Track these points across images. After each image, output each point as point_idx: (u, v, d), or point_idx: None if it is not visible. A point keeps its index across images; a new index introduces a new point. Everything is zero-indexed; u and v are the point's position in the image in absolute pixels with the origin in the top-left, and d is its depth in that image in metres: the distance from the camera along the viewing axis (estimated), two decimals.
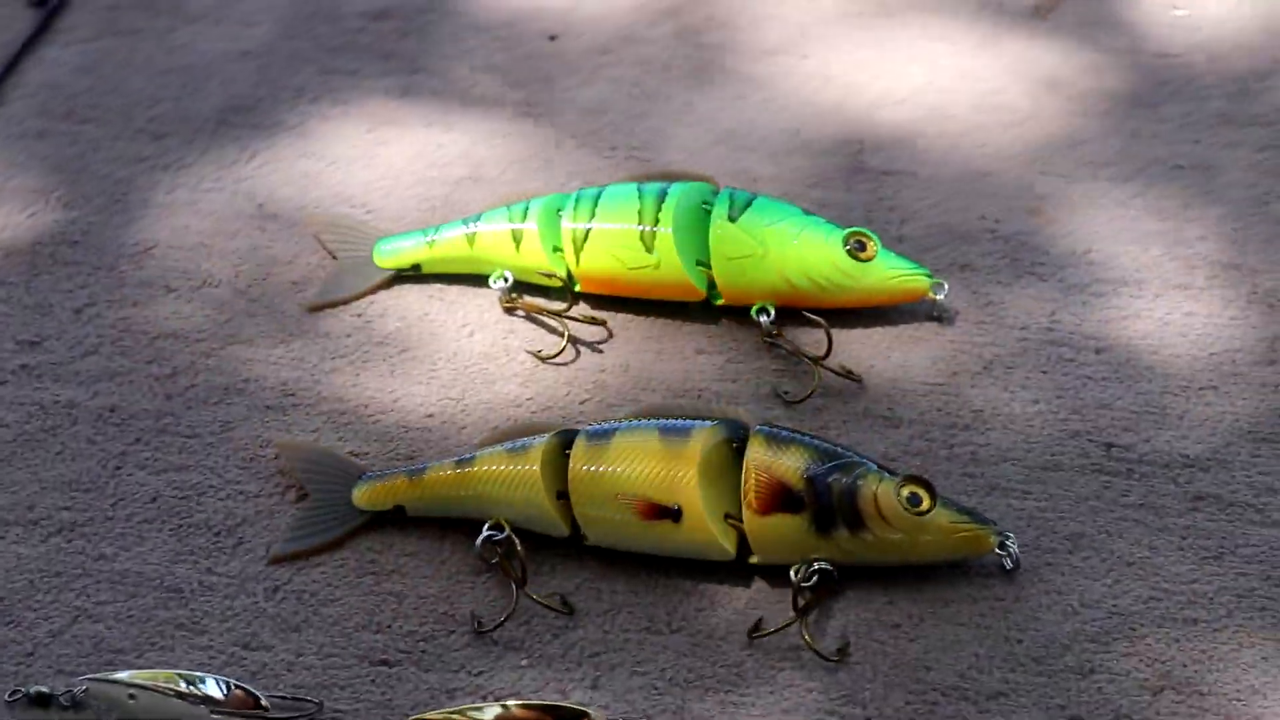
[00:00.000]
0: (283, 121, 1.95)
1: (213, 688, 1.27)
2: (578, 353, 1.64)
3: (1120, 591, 1.38)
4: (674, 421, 1.42)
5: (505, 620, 1.37)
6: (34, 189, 1.85)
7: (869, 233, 1.63)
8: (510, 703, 1.26)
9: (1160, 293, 1.68)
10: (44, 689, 1.32)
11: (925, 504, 1.36)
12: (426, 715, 1.27)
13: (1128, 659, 1.33)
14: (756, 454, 1.38)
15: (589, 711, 1.25)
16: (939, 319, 1.65)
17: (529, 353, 1.63)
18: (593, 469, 1.40)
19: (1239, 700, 1.30)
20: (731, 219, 1.64)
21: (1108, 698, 1.30)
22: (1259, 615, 1.37)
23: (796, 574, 1.37)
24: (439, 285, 1.72)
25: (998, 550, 1.39)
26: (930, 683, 1.32)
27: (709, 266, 1.64)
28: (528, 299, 1.68)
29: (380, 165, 1.88)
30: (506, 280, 1.68)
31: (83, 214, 1.82)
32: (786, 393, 1.58)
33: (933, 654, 1.34)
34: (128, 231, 1.79)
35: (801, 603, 1.35)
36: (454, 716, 1.26)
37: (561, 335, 1.64)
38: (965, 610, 1.37)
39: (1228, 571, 1.40)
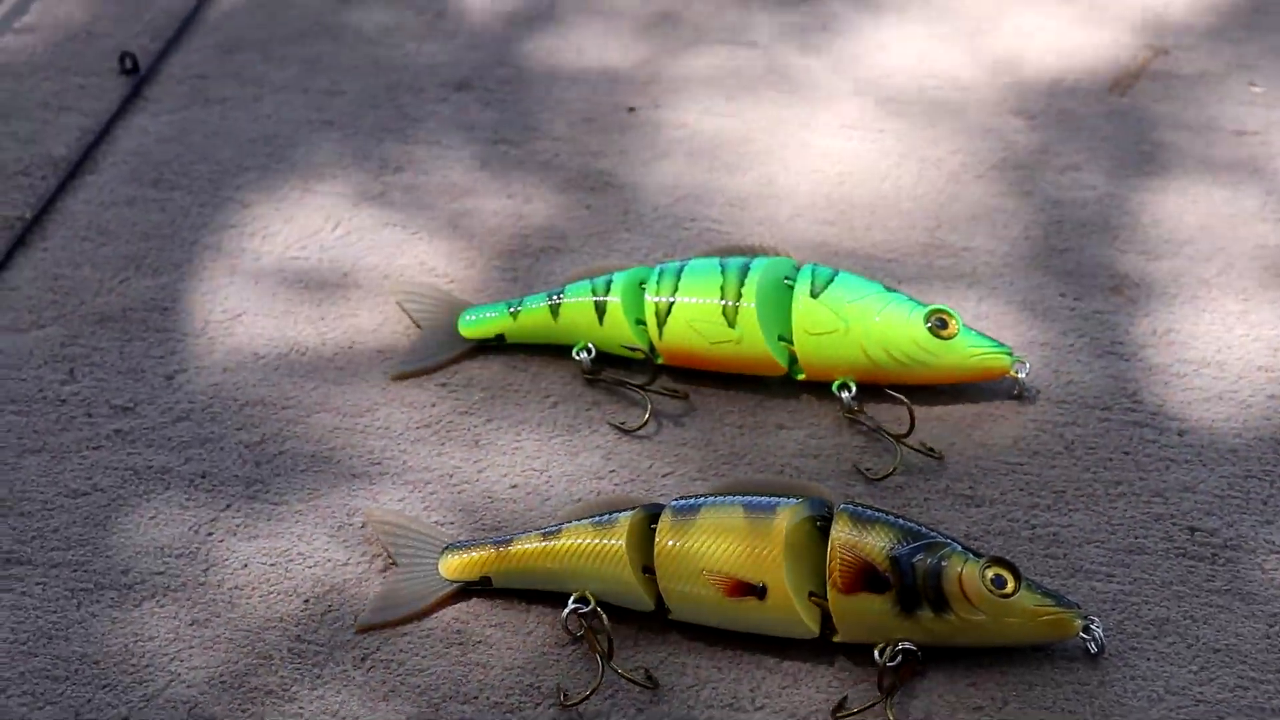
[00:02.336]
0: (367, 191, 1.98)
1: None
2: (659, 425, 1.66)
3: (1206, 679, 1.39)
4: (759, 498, 1.44)
5: (591, 694, 1.38)
6: (125, 255, 1.89)
7: (950, 310, 1.64)
8: None
9: (1243, 374, 1.68)
10: None
11: (1010, 586, 1.37)
12: None
13: None
14: (841, 533, 1.40)
15: None
16: (1020, 397, 1.67)
17: (612, 424, 1.66)
18: (678, 545, 1.41)
19: None
20: (814, 295, 1.66)
21: None
22: None
23: (881, 654, 1.38)
24: (522, 355, 1.74)
25: (1082, 634, 1.39)
26: None
27: (791, 342, 1.66)
28: (610, 371, 1.70)
29: (463, 235, 1.91)
30: (590, 352, 1.70)
31: (171, 280, 1.86)
32: (868, 470, 1.59)
33: None
34: (216, 298, 1.83)
35: (886, 683, 1.37)
36: None
37: (644, 408, 1.66)
38: (1049, 694, 1.38)
39: None
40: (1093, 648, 1.40)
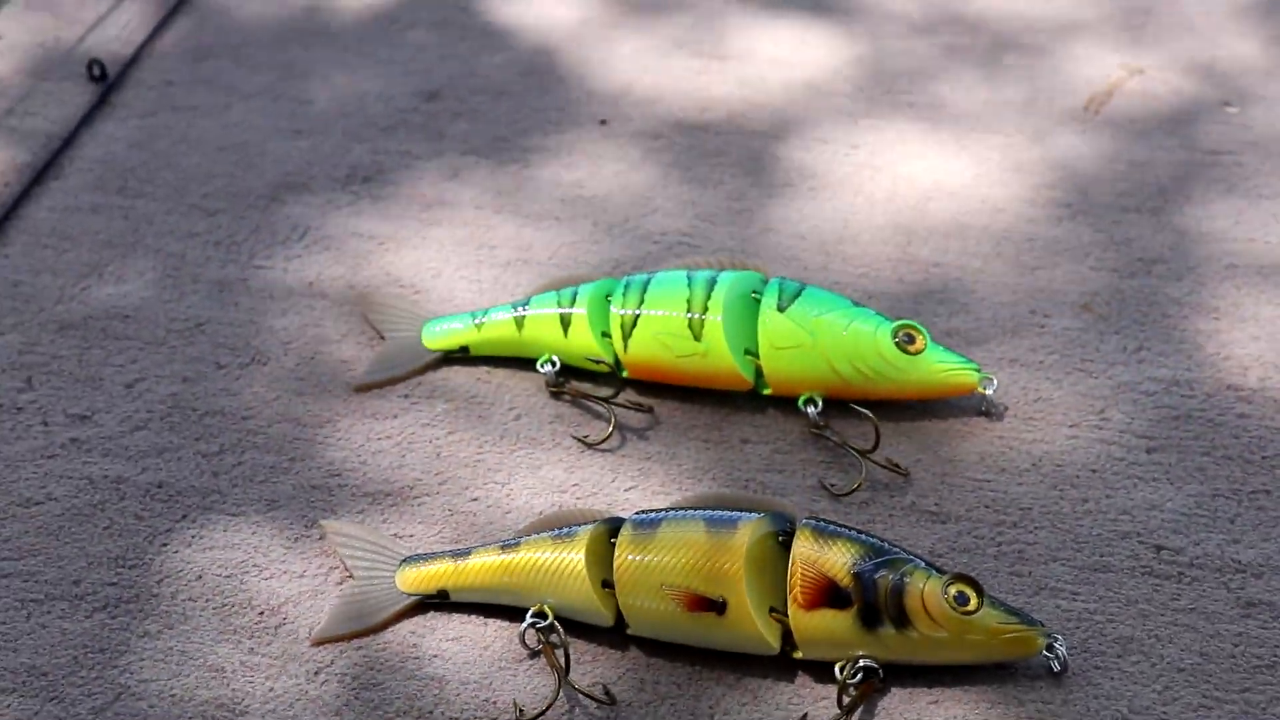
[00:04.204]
0: (334, 200, 1.97)
1: None
2: (624, 439, 1.64)
3: (1170, 699, 1.37)
4: (720, 513, 1.42)
5: (547, 710, 1.36)
6: (87, 262, 1.87)
7: (918, 326, 1.63)
8: None
9: (1212, 393, 1.68)
10: None
11: (973, 603, 1.35)
12: None
13: None
14: (803, 548, 1.38)
15: None
16: (988, 414, 1.66)
17: (575, 438, 1.64)
18: (638, 559, 1.40)
19: None
20: (780, 309, 1.64)
21: None
22: None
23: (842, 671, 1.36)
24: (486, 368, 1.73)
25: (1045, 653, 1.38)
26: None
27: (757, 356, 1.64)
28: (575, 384, 1.69)
29: (431, 246, 1.89)
30: (554, 365, 1.69)
31: (134, 288, 1.84)
32: (833, 485, 1.58)
33: None
34: (179, 307, 1.81)
35: (846, 700, 1.35)
36: None
37: (608, 421, 1.65)
38: (1011, 713, 1.36)
39: None
40: (1056, 666, 1.38)
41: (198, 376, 1.72)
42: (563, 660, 1.39)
